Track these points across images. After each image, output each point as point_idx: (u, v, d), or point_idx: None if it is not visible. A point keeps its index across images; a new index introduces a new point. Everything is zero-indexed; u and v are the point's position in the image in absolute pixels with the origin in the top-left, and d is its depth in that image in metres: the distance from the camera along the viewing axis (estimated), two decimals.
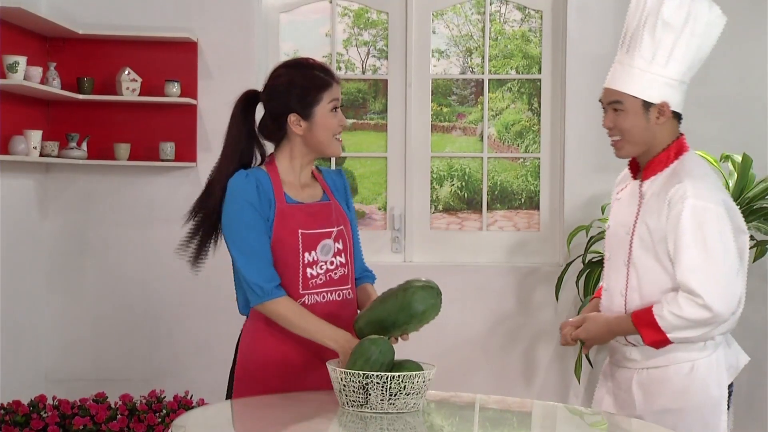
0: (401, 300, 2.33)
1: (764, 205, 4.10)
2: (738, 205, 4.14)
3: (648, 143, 2.54)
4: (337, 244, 2.54)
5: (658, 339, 2.45)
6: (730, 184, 4.18)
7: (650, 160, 2.56)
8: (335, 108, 2.52)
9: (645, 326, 2.45)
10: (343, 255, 2.55)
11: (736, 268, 2.47)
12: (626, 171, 2.71)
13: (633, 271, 2.53)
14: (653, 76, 2.50)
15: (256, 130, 2.58)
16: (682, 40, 2.51)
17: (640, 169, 2.62)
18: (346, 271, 2.56)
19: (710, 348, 2.52)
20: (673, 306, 2.43)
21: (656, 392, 2.52)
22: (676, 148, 2.55)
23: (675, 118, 2.56)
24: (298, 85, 2.50)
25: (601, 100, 2.59)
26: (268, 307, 2.45)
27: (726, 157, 4.23)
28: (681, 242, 2.43)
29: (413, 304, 2.32)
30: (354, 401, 2.23)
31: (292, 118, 2.51)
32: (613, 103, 2.53)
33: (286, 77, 2.53)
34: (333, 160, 4.84)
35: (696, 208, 2.43)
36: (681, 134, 2.59)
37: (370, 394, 2.21)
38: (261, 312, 2.48)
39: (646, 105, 2.51)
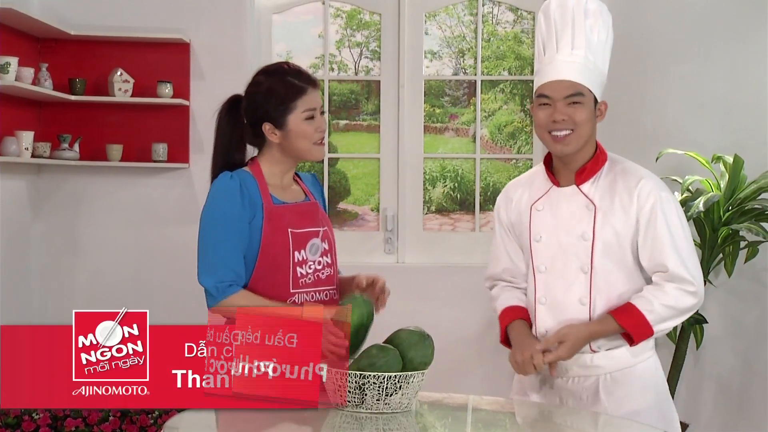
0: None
1: (755, 206, 4.11)
2: (729, 206, 4.17)
3: (588, 141, 2.54)
4: (323, 244, 2.55)
5: (645, 335, 2.47)
6: (722, 185, 4.19)
7: (584, 164, 2.54)
8: (311, 116, 2.49)
9: (633, 325, 2.45)
10: (329, 255, 2.57)
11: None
12: (521, 182, 2.67)
13: (597, 277, 2.50)
14: (599, 75, 2.53)
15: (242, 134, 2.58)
16: (609, 44, 2.56)
17: (554, 175, 2.59)
18: (332, 271, 2.58)
19: (653, 344, 2.58)
20: (663, 297, 2.45)
21: (625, 395, 2.52)
22: (602, 151, 2.58)
23: None
24: (271, 93, 2.48)
25: (547, 95, 2.51)
26: (225, 305, 2.43)
27: (718, 158, 4.25)
28: (664, 233, 2.45)
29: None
30: (349, 401, 2.23)
31: (267, 126, 2.50)
32: (572, 95, 2.49)
33: (261, 85, 2.51)
34: (325, 164, 4.84)
35: (669, 200, 2.48)
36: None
37: (365, 395, 2.22)
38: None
39: (595, 101, 2.53)
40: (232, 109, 2.56)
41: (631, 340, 2.48)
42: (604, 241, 2.49)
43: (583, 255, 2.50)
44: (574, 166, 2.55)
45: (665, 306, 2.44)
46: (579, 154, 2.53)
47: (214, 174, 2.54)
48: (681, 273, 2.45)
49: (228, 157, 2.54)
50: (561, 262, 2.53)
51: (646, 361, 2.54)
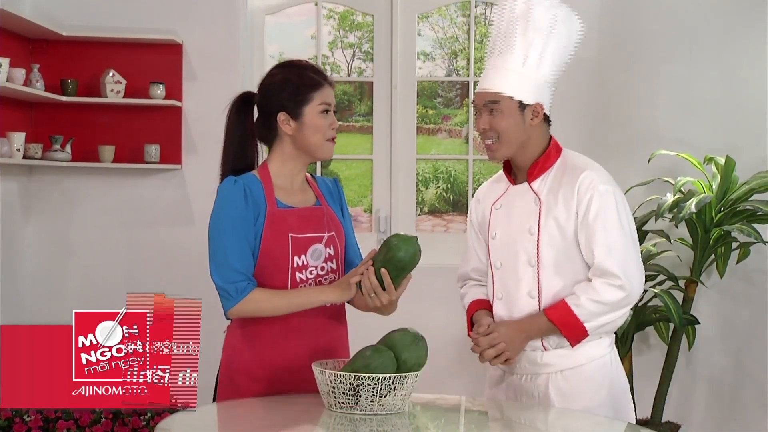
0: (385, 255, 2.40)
1: (747, 207, 4.12)
2: (721, 207, 4.18)
3: (522, 144, 2.56)
4: (328, 250, 2.52)
5: (576, 332, 2.49)
6: (714, 186, 4.20)
7: (534, 161, 2.58)
8: (326, 111, 2.50)
9: (562, 320, 2.48)
10: (334, 261, 2.53)
11: (639, 249, 2.56)
12: (489, 183, 2.74)
13: (543, 270, 2.54)
14: (527, 77, 2.54)
15: (253, 131, 2.56)
16: (551, 43, 2.57)
17: (513, 174, 2.65)
18: (337, 277, 2.54)
19: (610, 342, 2.60)
20: (590, 292, 2.47)
21: (575, 393, 2.53)
22: (555, 147, 2.61)
23: (545, 121, 2.60)
24: (290, 83, 2.49)
25: (474, 103, 2.61)
26: (242, 306, 2.42)
27: (709, 159, 4.26)
28: (596, 225, 2.48)
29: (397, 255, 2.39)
30: (343, 403, 2.23)
31: (282, 116, 2.49)
32: (489, 104, 2.54)
33: (279, 76, 2.52)
34: (318, 164, 4.84)
35: (608, 193, 2.50)
36: (551, 136, 2.64)
37: (360, 396, 2.22)
38: (240, 315, 2.46)
39: (522, 106, 2.54)
40: (242, 105, 2.55)
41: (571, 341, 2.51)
42: (549, 234, 2.53)
43: (530, 248, 2.55)
44: (522, 165, 2.61)
45: (592, 300, 2.46)
46: (522, 156, 2.58)
47: (224, 174, 2.53)
48: (605, 265, 2.46)
49: (239, 156, 2.53)
50: (512, 257, 2.59)
51: (600, 359, 2.55)
